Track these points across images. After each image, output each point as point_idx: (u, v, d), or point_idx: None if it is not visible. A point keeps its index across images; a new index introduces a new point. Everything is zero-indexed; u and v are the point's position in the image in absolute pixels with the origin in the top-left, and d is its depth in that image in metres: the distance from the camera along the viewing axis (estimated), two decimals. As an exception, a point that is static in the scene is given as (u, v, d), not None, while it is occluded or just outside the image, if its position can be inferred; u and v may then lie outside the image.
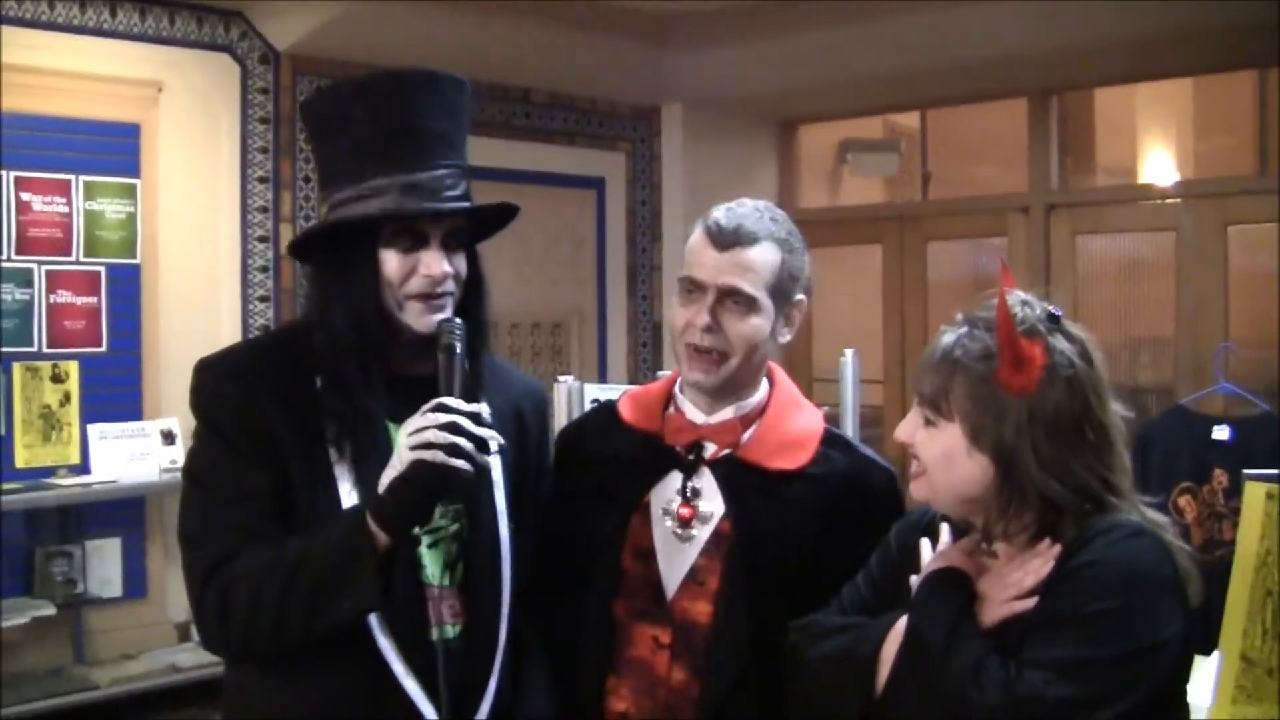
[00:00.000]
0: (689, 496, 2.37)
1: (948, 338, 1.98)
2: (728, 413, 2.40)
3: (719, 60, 6.67)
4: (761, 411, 2.43)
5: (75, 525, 5.10)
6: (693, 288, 2.34)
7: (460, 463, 2.06)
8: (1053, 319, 1.98)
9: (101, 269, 5.16)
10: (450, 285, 2.25)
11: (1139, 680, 1.79)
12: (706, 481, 2.38)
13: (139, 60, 5.25)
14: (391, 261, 2.21)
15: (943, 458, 1.96)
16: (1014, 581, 1.93)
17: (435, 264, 2.22)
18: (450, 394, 2.13)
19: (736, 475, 2.37)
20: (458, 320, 2.23)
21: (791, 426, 2.43)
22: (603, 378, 6.68)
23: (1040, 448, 1.90)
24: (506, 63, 6.26)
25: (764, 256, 2.33)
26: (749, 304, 2.32)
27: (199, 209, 5.43)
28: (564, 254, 6.80)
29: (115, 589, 5.21)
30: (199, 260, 5.42)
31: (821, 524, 2.35)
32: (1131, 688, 1.78)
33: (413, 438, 2.07)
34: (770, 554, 2.32)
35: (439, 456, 2.05)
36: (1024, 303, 1.98)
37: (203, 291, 5.43)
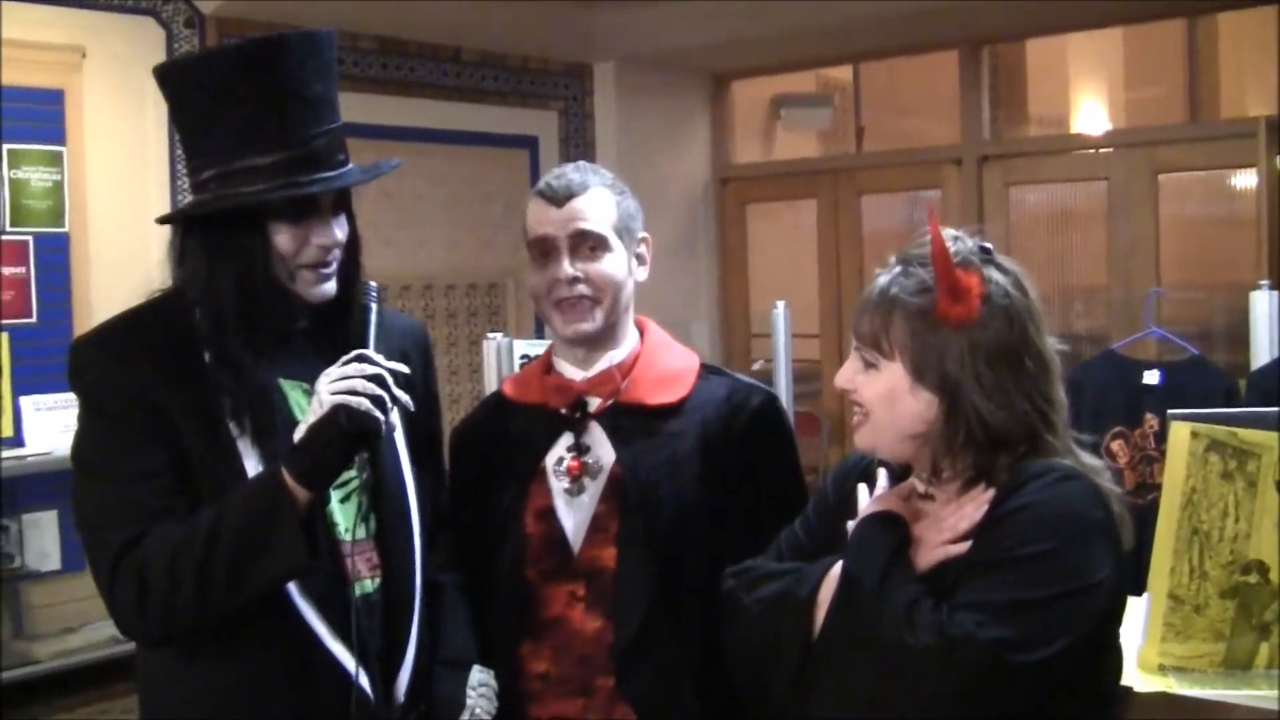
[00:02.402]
0: (578, 452, 2.44)
1: (883, 279, 1.99)
2: (602, 364, 2.48)
3: (650, 16, 6.64)
4: (635, 358, 2.50)
5: (10, 499, 5.03)
6: (545, 247, 2.44)
7: (380, 415, 2.05)
8: (985, 251, 1.99)
9: (29, 238, 5.07)
10: (338, 251, 2.23)
11: (1071, 622, 1.81)
12: (596, 435, 2.45)
13: (61, 25, 5.15)
14: (284, 235, 2.16)
15: (886, 397, 1.97)
16: (948, 525, 1.94)
17: (328, 234, 2.19)
18: (369, 349, 2.12)
19: (621, 420, 2.45)
20: (371, 283, 2.25)
21: (666, 364, 2.52)
22: (539, 335, 6.66)
23: (983, 378, 1.92)
24: (436, 22, 6.20)
25: (600, 199, 2.45)
26: (601, 244, 2.43)
27: (127, 175, 5.35)
28: (498, 214, 6.75)
29: (54, 562, 5.14)
30: (128, 227, 5.33)
31: (707, 451, 2.43)
32: (1063, 629, 1.80)
33: (336, 384, 2.05)
34: (662, 488, 2.39)
35: (364, 404, 2.03)
36: (955, 238, 2.00)
37: (133, 259, 5.33)
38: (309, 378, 2.17)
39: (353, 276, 2.28)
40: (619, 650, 2.35)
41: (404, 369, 2.14)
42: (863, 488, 2.11)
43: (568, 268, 2.41)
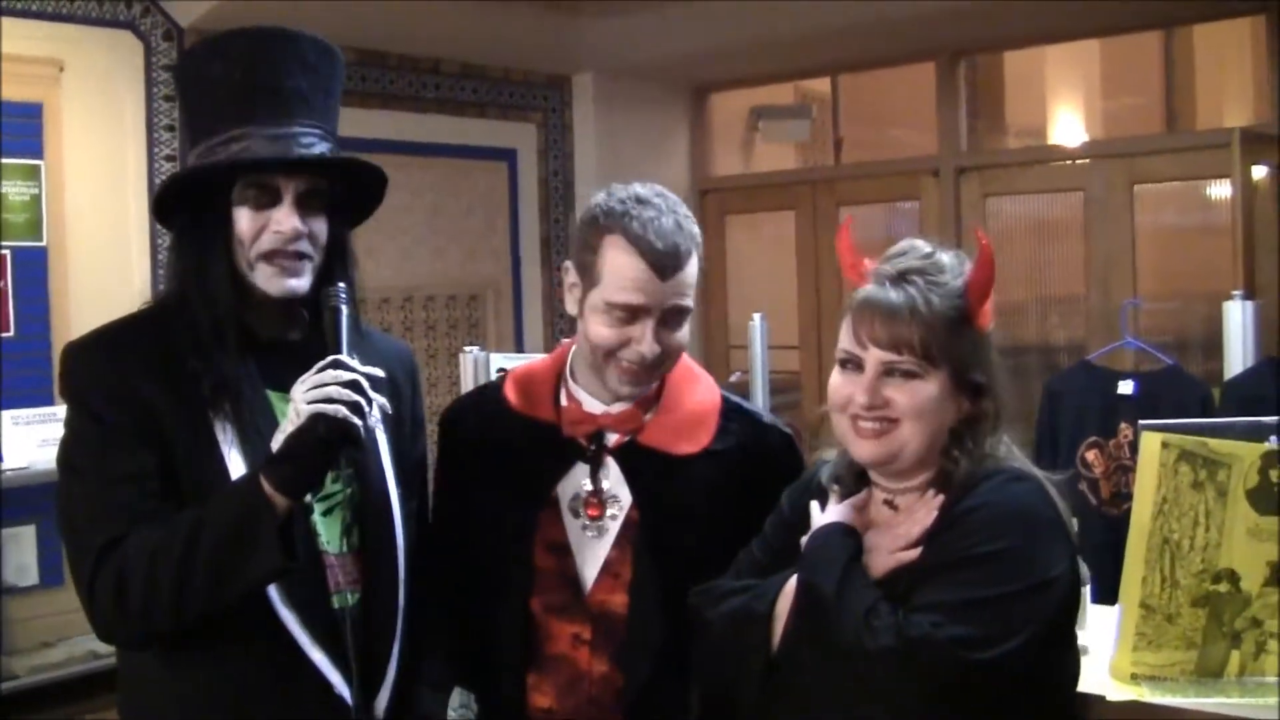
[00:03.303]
0: (597, 492, 2.36)
1: (908, 291, 1.99)
2: (626, 402, 2.37)
3: (629, 27, 6.65)
4: (659, 391, 2.41)
5: (-11, 513, 5.04)
6: (633, 313, 2.27)
7: (358, 420, 2.05)
8: None
9: (7, 252, 5.06)
10: (305, 246, 2.21)
11: (1028, 618, 1.84)
12: (612, 472, 2.37)
13: (39, 38, 5.14)
14: (243, 218, 2.18)
15: (930, 403, 1.98)
16: (901, 532, 1.98)
17: (286, 220, 2.18)
18: (342, 354, 2.11)
19: (640, 462, 2.36)
20: (340, 284, 2.22)
21: (690, 404, 2.42)
22: (520, 349, 6.67)
23: (1001, 371, 2.03)
24: (415, 34, 6.21)
25: (694, 267, 2.31)
26: (685, 315, 2.32)
27: (106, 189, 5.34)
28: (477, 226, 6.77)
29: (31, 576, 5.13)
30: (107, 241, 5.34)
31: (727, 499, 2.35)
32: (1021, 625, 1.83)
33: (311, 392, 2.04)
34: (680, 538, 2.32)
35: (341, 411, 2.02)
36: (938, 247, 2.08)
37: (112, 272, 5.34)
38: None
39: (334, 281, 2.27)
40: (628, 700, 2.31)
41: (379, 373, 2.13)
42: (815, 505, 2.12)
43: (654, 344, 2.26)
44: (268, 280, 2.19)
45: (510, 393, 2.47)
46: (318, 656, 2.16)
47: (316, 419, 2.04)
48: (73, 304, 5.22)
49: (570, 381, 2.42)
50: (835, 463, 2.16)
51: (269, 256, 2.18)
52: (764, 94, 7.96)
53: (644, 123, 7.46)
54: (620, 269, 2.25)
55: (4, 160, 5.03)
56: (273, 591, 2.13)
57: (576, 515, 2.37)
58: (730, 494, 2.36)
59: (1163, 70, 7.29)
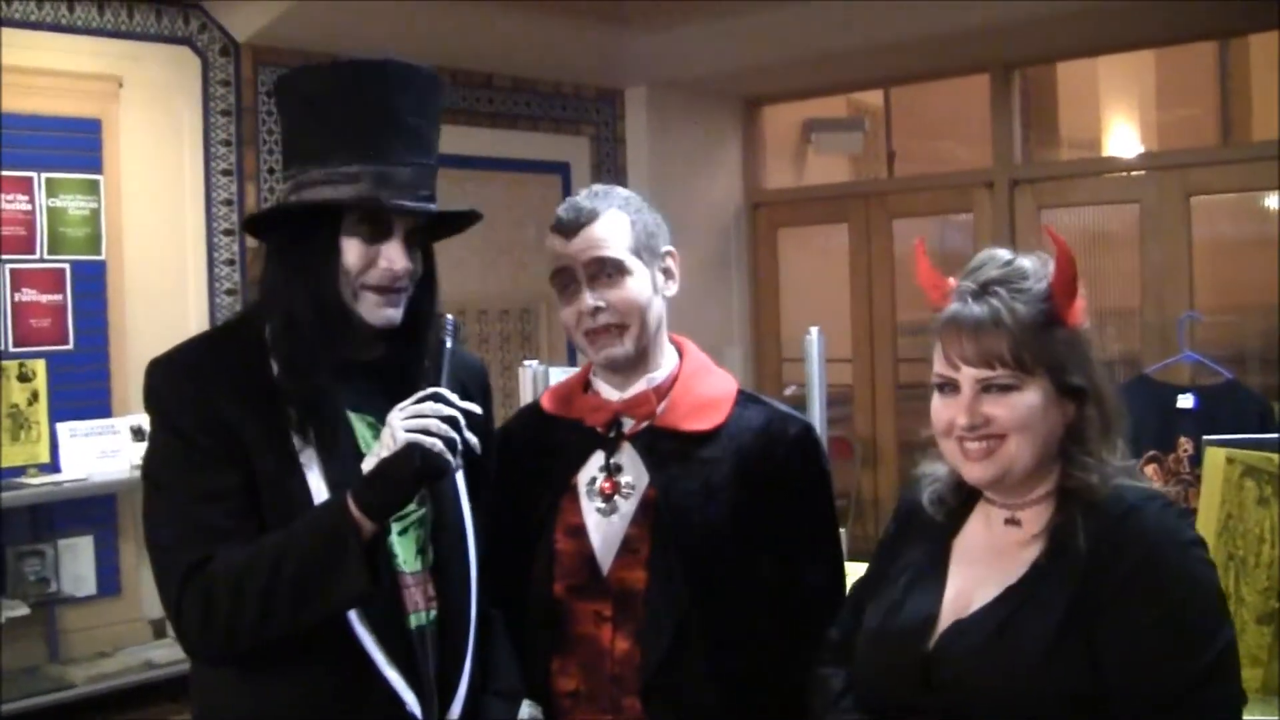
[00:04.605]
0: (610, 471, 2.44)
1: (991, 303, 1.95)
2: (640, 385, 2.46)
3: (682, 40, 6.67)
4: (673, 382, 2.49)
5: (47, 524, 5.08)
6: (566, 279, 2.42)
7: (451, 458, 2.06)
8: None
9: (66, 266, 5.13)
10: (406, 281, 2.22)
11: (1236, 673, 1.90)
12: (628, 455, 2.44)
13: (98, 55, 5.22)
14: (352, 250, 2.18)
15: (1035, 414, 1.93)
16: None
17: (397, 258, 2.19)
18: (443, 386, 2.11)
19: (656, 444, 2.43)
20: (450, 317, 2.23)
21: (704, 390, 2.50)
22: (572, 362, 6.68)
23: (1105, 374, 1.99)
24: (468, 49, 6.25)
25: (612, 223, 2.42)
26: (619, 269, 2.40)
27: (163, 203, 5.41)
28: (530, 240, 6.78)
29: (89, 587, 5.18)
30: (164, 255, 5.40)
31: (741, 478, 2.41)
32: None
33: (410, 421, 2.05)
34: (695, 513, 2.38)
35: (438, 446, 2.03)
36: (1014, 255, 2.06)
37: (169, 286, 5.40)
38: (373, 411, 2.19)
39: (425, 312, 2.29)
40: (646, 674, 2.34)
41: (476, 409, 2.13)
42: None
43: (589, 299, 2.39)
44: (371, 310, 2.20)
45: (546, 402, 2.60)
46: (392, 675, 2.16)
47: (413, 449, 2.04)
48: (130, 317, 5.28)
49: (593, 377, 2.53)
50: (939, 482, 2.11)
51: (375, 289, 2.20)
52: (816, 107, 7.96)
53: (696, 136, 7.47)
54: (548, 251, 2.47)
55: (64, 175, 5.10)
56: (351, 611, 2.14)
57: (593, 498, 2.44)
58: (747, 474, 2.41)
59: (1218, 81, 7.24)
